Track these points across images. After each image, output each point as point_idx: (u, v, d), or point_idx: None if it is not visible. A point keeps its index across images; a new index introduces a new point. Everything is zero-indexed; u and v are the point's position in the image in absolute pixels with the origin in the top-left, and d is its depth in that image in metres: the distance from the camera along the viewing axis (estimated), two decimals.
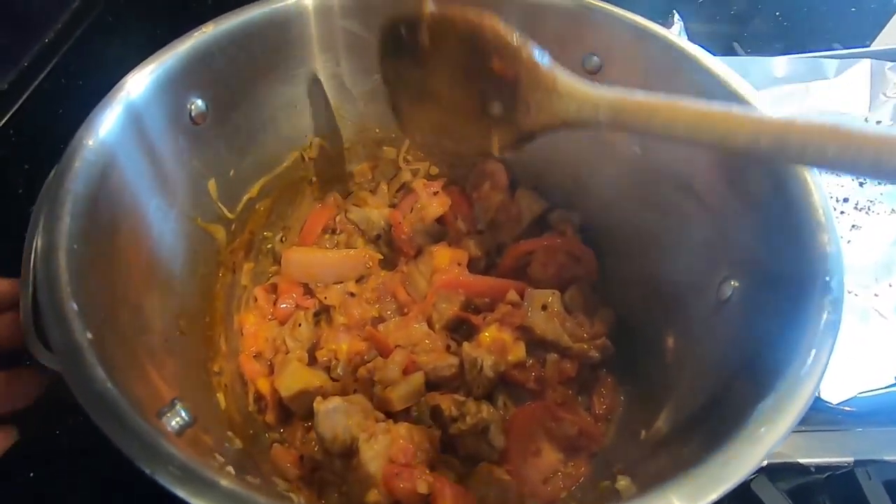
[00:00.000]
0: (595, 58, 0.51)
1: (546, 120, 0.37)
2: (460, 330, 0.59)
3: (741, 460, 0.24)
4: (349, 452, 0.45)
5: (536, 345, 0.55)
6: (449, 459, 0.49)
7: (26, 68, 0.75)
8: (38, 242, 0.28)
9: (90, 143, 0.33)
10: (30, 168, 0.69)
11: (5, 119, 0.71)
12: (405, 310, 0.60)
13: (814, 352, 0.28)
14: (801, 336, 0.28)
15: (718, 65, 0.43)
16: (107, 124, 0.35)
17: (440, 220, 0.66)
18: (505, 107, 0.39)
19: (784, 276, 0.33)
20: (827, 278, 0.30)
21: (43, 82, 0.75)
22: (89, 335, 0.26)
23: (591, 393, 0.54)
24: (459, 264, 0.61)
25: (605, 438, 0.51)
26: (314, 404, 0.45)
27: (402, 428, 0.45)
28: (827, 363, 0.27)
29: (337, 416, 0.45)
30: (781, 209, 0.35)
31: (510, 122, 0.39)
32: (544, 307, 0.56)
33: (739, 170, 0.40)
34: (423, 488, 0.41)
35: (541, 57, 0.37)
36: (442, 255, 0.62)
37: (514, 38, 0.37)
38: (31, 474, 0.54)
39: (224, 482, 0.21)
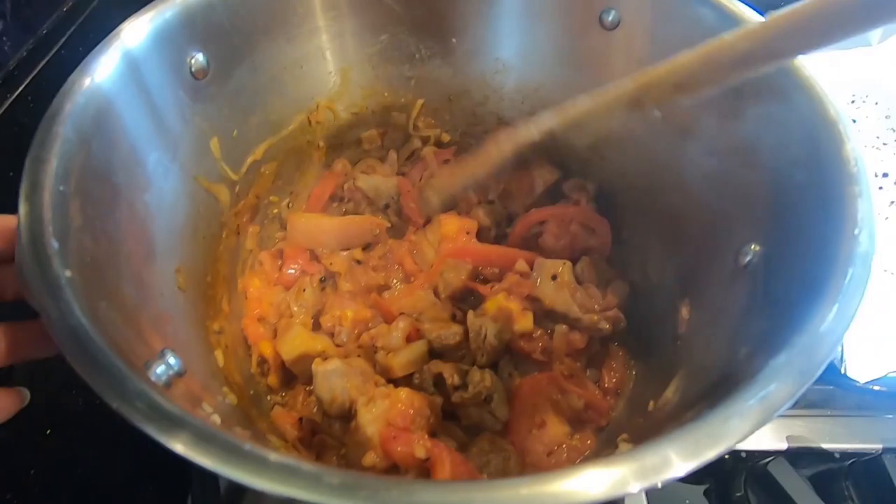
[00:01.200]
0: (613, 12, 0.48)
1: None
2: (468, 300, 0.57)
3: (744, 417, 0.22)
4: (347, 415, 0.44)
5: (545, 315, 0.53)
6: (451, 427, 0.48)
7: (44, 36, 0.76)
8: (24, 181, 0.28)
9: (84, 85, 0.33)
10: None
11: (23, 86, 0.72)
12: (412, 279, 0.59)
13: (836, 307, 0.25)
14: (823, 291, 0.26)
15: (749, 14, 0.39)
16: (102, 70, 0.34)
17: None
18: None
19: (810, 236, 0.31)
20: (856, 231, 0.27)
21: (61, 50, 0.76)
22: (68, 273, 0.25)
23: (600, 367, 0.52)
24: (468, 233, 0.60)
25: (614, 413, 0.49)
26: (313, 365, 0.45)
27: (403, 393, 0.44)
28: (850, 321, 0.25)
29: (335, 378, 0.44)
30: (809, 160, 0.33)
31: None
32: (554, 277, 0.54)
33: (766, 120, 0.37)
34: (420, 453, 0.40)
35: None
36: (450, 223, 0.60)
37: None
38: (48, 431, 0.55)
39: (193, 420, 0.21)
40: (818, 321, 0.25)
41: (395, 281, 0.59)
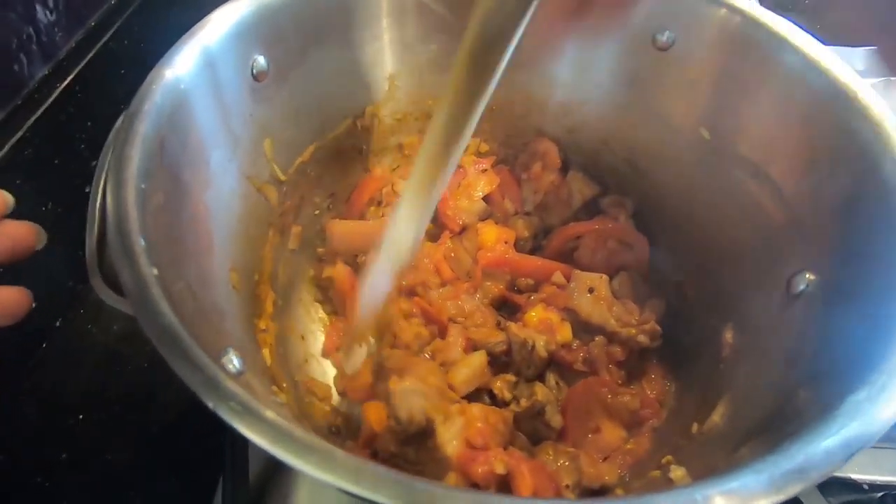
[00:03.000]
0: (668, 33, 0.49)
1: None
2: (503, 309, 0.58)
3: (829, 455, 0.22)
4: (423, 434, 0.43)
5: (582, 328, 0.53)
6: (517, 436, 0.47)
7: (93, 28, 0.77)
8: (108, 180, 0.29)
9: (165, 78, 0.34)
10: (92, 125, 0.71)
11: (72, 76, 0.73)
12: (446, 284, 0.59)
13: None
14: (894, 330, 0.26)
15: (809, 41, 0.40)
16: (182, 64, 0.35)
17: (487, 199, 0.65)
18: None
19: (875, 270, 0.31)
20: None
21: (108, 42, 0.77)
22: (155, 271, 0.26)
23: (640, 380, 0.52)
24: (506, 242, 0.60)
25: (664, 413, 0.48)
26: (390, 384, 0.44)
27: (476, 408, 0.44)
28: None
29: (413, 397, 0.43)
30: (875, 198, 0.33)
31: None
32: (591, 290, 0.54)
33: (828, 155, 0.37)
34: (500, 469, 0.40)
35: None
36: (488, 232, 0.60)
37: None
38: (80, 417, 0.56)
39: (282, 422, 0.21)
40: (895, 359, 0.25)
41: (434, 284, 0.59)
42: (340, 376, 0.52)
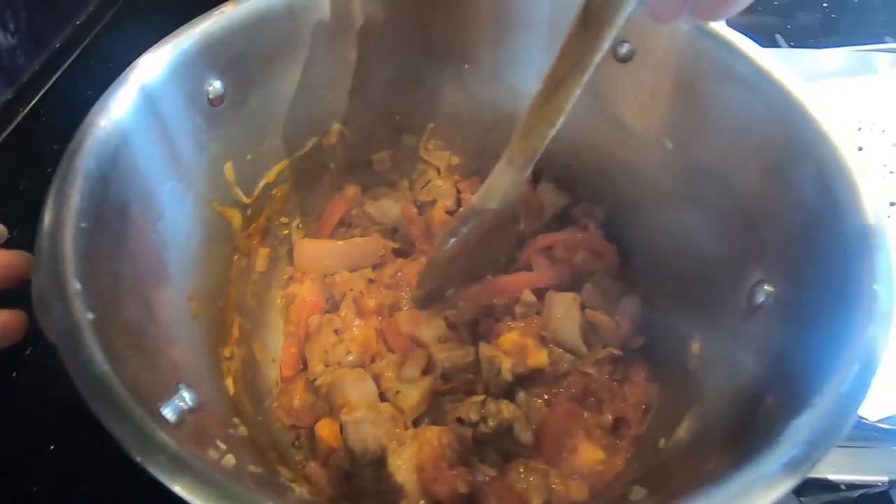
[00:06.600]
0: (627, 45, 0.49)
1: None
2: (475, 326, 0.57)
3: (769, 483, 0.22)
4: (379, 462, 0.43)
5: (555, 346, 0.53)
6: (488, 452, 0.47)
7: (58, 50, 0.77)
8: (45, 219, 0.28)
9: (103, 123, 0.33)
10: (59, 148, 0.69)
11: (36, 99, 0.72)
12: None
13: (857, 367, 0.25)
14: (842, 349, 0.26)
15: (761, 53, 0.40)
16: (120, 105, 0.34)
17: None
18: None
19: (826, 283, 0.31)
20: (875, 287, 0.27)
21: (74, 64, 0.76)
22: (90, 315, 0.25)
23: (623, 385, 0.52)
24: None
25: (647, 420, 0.48)
26: (341, 415, 0.44)
27: (430, 432, 0.44)
28: (870, 381, 0.25)
29: (366, 428, 0.43)
30: (826, 210, 0.33)
31: None
32: (563, 311, 0.54)
33: (782, 166, 0.37)
34: (463, 488, 0.40)
35: None
36: None
37: None
38: (52, 447, 0.55)
39: (220, 477, 0.21)
40: (838, 381, 0.25)
41: (405, 303, 0.59)
42: (279, 405, 0.51)
